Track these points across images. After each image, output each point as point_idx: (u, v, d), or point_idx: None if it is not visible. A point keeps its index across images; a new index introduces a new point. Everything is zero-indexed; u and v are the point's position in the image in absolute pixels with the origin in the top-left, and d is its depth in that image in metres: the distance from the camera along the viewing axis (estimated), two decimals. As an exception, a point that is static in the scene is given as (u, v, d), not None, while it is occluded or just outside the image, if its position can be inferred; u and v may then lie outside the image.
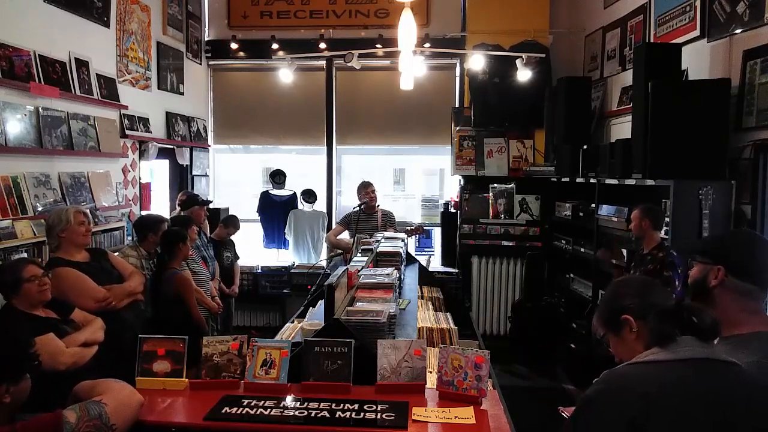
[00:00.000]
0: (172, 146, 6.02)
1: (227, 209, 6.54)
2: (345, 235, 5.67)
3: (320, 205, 6.92)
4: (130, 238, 4.75)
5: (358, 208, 5.47)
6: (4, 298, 2.59)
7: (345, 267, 2.79)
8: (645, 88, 3.82)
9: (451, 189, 7.03)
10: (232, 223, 5.42)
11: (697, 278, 1.70)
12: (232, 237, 5.52)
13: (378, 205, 5.75)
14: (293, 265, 6.57)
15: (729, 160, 3.65)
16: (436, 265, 6.38)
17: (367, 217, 5.55)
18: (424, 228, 6.31)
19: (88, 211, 3.37)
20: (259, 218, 6.95)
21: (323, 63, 6.88)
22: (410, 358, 2.08)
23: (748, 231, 3.12)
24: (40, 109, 3.88)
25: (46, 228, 3.25)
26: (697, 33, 4.09)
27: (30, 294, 2.54)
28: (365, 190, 5.56)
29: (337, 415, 1.87)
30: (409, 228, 5.42)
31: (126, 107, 5.00)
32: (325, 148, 7.04)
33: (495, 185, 6.18)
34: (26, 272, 2.54)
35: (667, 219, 3.69)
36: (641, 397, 1.34)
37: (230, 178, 7.50)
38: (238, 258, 5.61)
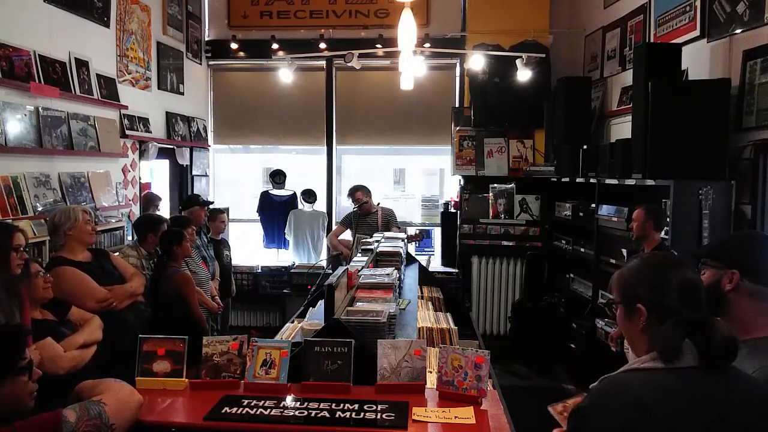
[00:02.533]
0: (172, 146, 6.02)
1: (227, 209, 6.54)
2: (346, 235, 5.68)
3: (320, 205, 6.92)
4: (130, 238, 4.75)
5: (358, 208, 5.49)
6: None
7: (345, 267, 2.79)
8: (645, 88, 3.82)
9: (451, 189, 7.02)
10: (218, 210, 5.40)
11: (709, 283, 1.64)
12: (229, 237, 5.52)
13: (378, 204, 5.76)
14: (293, 265, 6.57)
15: (729, 160, 3.65)
16: (436, 265, 6.37)
17: (367, 216, 5.56)
18: (423, 236, 6.33)
19: (91, 210, 3.38)
20: (259, 218, 6.95)
21: (323, 63, 6.88)
22: (410, 358, 2.08)
23: (755, 232, 3.11)
24: (40, 109, 3.88)
25: (50, 226, 3.23)
26: (697, 33, 4.09)
27: (36, 289, 2.54)
28: (352, 197, 5.59)
29: (337, 415, 1.87)
30: (409, 234, 5.44)
31: (126, 107, 5.00)
32: (325, 148, 7.04)
33: (495, 185, 6.17)
34: (33, 267, 2.56)
35: (667, 219, 3.69)
36: (635, 402, 1.29)
37: (230, 178, 7.50)
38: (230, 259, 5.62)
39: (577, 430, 1.37)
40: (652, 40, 4.70)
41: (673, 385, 1.31)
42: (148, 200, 5.31)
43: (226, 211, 5.47)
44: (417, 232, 6.29)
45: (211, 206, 5.50)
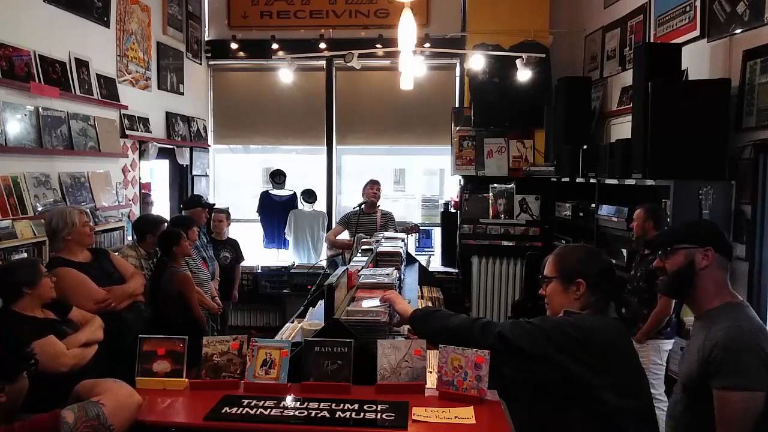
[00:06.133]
0: (172, 146, 6.02)
1: (227, 209, 6.53)
2: (344, 235, 5.67)
3: (320, 205, 6.92)
4: (130, 238, 4.75)
5: (358, 208, 5.48)
6: (5, 301, 2.58)
7: (345, 267, 2.79)
8: (645, 88, 3.82)
9: (451, 189, 7.02)
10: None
11: (681, 264, 1.85)
12: (237, 237, 5.51)
13: (378, 206, 5.76)
14: (293, 265, 6.57)
15: (729, 160, 3.64)
16: (436, 265, 6.38)
17: (367, 217, 5.55)
18: (420, 228, 6.32)
19: (88, 210, 3.37)
20: (259, 218, 6.95)
21: (323, 63, 6.88)
22: (410, 358, 2.08)
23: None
24: (40, 109, 3.88)
25: (48, 231, 3.22)
26: (697, 33, 4.09)
27: (45, 288, 2.58)
28: (370, 186, 5.58)
29: (337, 415, 1.87)
30: (407, 226, 5.44)
31: (126, 107, 5.00)
32: (325, 148, 7.04)
33: (495, 185, 6.17)
34: (42, 268, 2.63)
35: (667, 219, 3.68)
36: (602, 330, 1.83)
37: (230, 178, 7.50)
38: (241, 260, 5.59)
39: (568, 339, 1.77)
40: (652, 40, 4.70)
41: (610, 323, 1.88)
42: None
43: (215, 211, 5.46)
44: (412, 225, 6.29)
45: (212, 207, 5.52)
